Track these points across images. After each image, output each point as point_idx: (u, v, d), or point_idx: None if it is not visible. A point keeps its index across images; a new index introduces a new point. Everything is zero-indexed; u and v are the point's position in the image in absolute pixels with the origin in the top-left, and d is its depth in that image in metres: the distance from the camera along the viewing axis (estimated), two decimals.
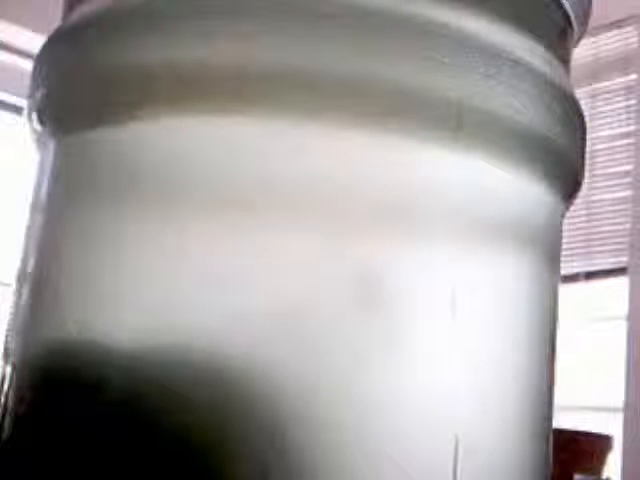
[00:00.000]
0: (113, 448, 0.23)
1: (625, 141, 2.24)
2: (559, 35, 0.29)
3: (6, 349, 0.27)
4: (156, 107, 0.25)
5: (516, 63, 0.26)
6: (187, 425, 0.23)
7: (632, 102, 2.25)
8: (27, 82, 0.30)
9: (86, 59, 0.26)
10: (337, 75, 0.24)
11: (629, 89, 2.27)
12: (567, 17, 0.29)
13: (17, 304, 0.27)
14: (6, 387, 0.26)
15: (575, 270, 2.23)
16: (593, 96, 2.32)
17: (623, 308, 2.10)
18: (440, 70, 0.25)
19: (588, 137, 0.30)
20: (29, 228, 0.28)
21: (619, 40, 2.30)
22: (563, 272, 0.31)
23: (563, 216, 0.30)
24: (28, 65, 2.09)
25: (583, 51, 2.28)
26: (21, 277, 0.28)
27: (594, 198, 2.27)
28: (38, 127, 0.28)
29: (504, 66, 0.26)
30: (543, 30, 0.28)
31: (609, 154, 2.26)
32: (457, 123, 0.25)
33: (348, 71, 0.24)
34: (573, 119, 0.29)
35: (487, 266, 0.26)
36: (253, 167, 0.24)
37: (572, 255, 2.24)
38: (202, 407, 0.23)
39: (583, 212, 2.26)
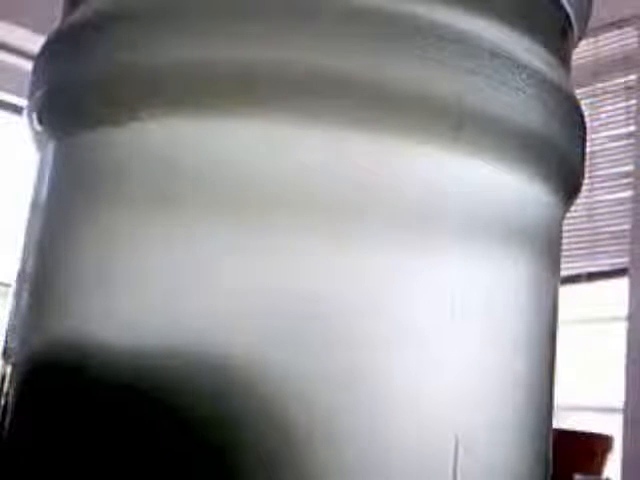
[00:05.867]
0: (114, 447, 0.23)
1: (625, 142, 2.24)
2: (559, 35, 0.29)
3: (6, 349, 0.27)
4: (156, 107, 0.25)
5: (516, 63, 0.26)
6: (189, 424, 0.23)
7: (632, 102, 2.25)
8: (27, 82, 0.30)
9: (86, 59, 0.26)
10: (337, 76, 0.24)
11: (629, 89, 2.27)
12: (567, 17, 0.29)
13: (17, 304, 0.27)
14: (6, 387, 0.26)
15: (576, 271, 2.23)
16: (593, 96, 2.31)
17: (623, 309, 2.10)
18: (440, 70, 0.25)
19: (588, 138, 0.30)
20: (29, 228, 0.28)
21: (619, 40, 2.30)
22: (564, 273, 0.31)
23: (564, 217, 0.30)
24: (28, 65, 2.09)
25: (583, 51, 2.28)
26: (21, 277, 0.28)
27: (594, 199, 2.27)
28: (38, 127, 0.28)
29: (505, 66, 0.26)
30: (543, 30, 0.28)
31: (609, 155, 2.26)
32: (457, 123, 0.25)
33: (348, 71, 0.24)
34: (573, 119, 0.29)
35: (487, 266, 0.26)
36: (253, 167, 0.24)
37: (573, 256, 2.24)
38: (205, 405, 0.23)
39: (583, 213, 2.26)
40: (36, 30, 2.09)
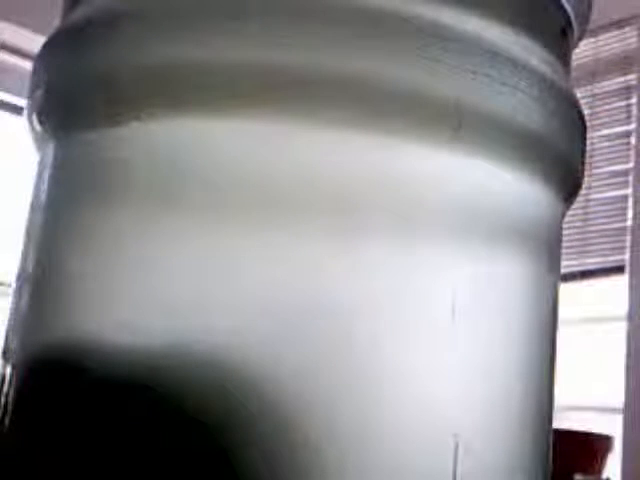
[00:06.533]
0: (114, 447, 0.23)
1: (624, 140, 2.24)
2: (559, 35, 0.29)
3: (6, 349, 0.27)
4: (156, 107, 0.25)
5: (516, 63, 0.26)
6: (190, 424, 0.23)
7: (632, 102, 2.25)
8: (27, 82, 0.30)
9: (86, 59, 0.26)
10: (337, 75, 0.24)
11: (629, 89, 2.27)
12: (567, 17, 0.30)
13: (17, 304, 0.27)
14: (6, 387, 0.26)
15: (574, 269, 2.24)
16: (593, 96, 2.32)
17: (622, 307, 2.10)
18: (440, 70, 0.25)
19: (587, 137, 0.30)
20: (29, 228, 0.28)
21: (619, 40, 2.30)
22: (562, 271, 0.31)
23: (563, 216, 0.30)
24: (28, 65, 2.09)
25: (583, 51, 2.28)
26: (21, 277, 0.28)
27: (593, 197, 2.27)
28: (38, 127, 0.28)
29: (504, 66, 0.26)
30: (543, 30, 0.28)
31: (608, 153, 2.26)
32: (457, 123, 0.25)
33: (348, 71, 0.24)
34: (573, 119, 0.29)
35: (487, 265, 0.26)
36: (252, 167, 0.24)
37: (571, 254, 2.24)
38: (205, 405, 0.23)
39: (582, 211, 2.26)
40: (37, 30, 2.09)
